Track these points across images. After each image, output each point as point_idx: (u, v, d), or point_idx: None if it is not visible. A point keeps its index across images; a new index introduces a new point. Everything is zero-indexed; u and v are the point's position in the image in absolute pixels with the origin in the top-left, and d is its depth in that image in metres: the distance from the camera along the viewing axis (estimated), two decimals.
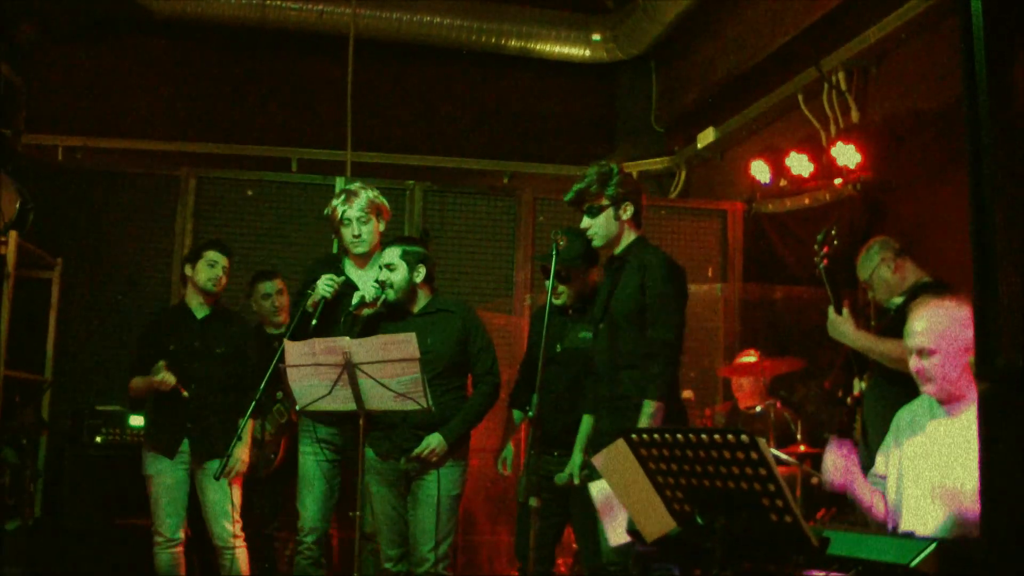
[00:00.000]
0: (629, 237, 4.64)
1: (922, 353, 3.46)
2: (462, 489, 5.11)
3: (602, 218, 4.62)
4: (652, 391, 4.35)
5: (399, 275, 5.08)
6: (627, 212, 4.62)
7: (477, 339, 5.14)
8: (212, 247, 5.86)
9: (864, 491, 3.60)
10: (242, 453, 5.58)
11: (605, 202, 4.60)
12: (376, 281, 5.10)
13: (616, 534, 4.35)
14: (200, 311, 5.83)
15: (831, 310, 4.76)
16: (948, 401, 3.49)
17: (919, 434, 3.56)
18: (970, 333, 3.38)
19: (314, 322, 5.04)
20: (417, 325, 4.96)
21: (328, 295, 5.11)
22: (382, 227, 5.42)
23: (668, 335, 4.42)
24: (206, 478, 5.60)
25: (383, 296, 5.09)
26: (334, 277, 5.17)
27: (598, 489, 4.34)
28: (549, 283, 4.85)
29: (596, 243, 4.68)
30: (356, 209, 5.27)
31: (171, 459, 5.63)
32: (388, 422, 4.99)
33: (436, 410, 4.79)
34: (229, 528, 5.60)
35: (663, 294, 4.46)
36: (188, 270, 5.82)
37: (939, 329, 3.44)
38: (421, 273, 5.12)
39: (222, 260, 5.80)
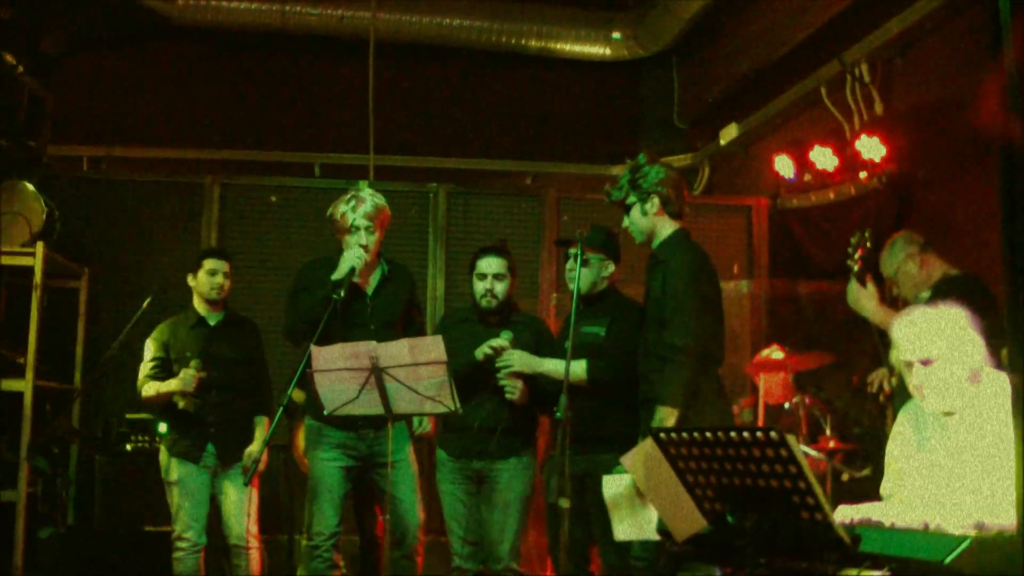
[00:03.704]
0: (665, 231, 4.63)
1: (927, 363, 3.28)
2: (533, 487, 5.17)
3: (633, 214, 4.67)
4: (664, 396, 4.33)
5: (505, 285, 5.16)
6: (653, 205, 4.61)
7: (547, 354, 5.11)
8: (210, 255, 5.91)
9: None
10: (263, 454, 5.59)
11: (633, 198, 4.64)
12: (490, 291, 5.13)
13: (622, 530, 4.37)
14: (212, 318, 5.88)
15: (853, 281, 4.69)
16: (952, 410, 3.35)
17: (924, 448, 3.44)
18: (970, 336, 3.28)
19: (341, 292, 4.97)
20: (492, 334, 5.07)
21: (359, 265, 5.11)
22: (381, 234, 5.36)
23: (679, 339, 4.35)
24: (227, 480, 5.71)
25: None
26: (362, 252, 5.16)
27: (609, 484, 4.36)
28: (575, 286, 4.84)
29: (638, 239, 4.71)
30: (368, 218, 5.20)
31: (196, 464, 5.70)
32: (461, 425, 5.03)
33: (511, 416, 4.99)
34: (249, 529, 5.70)
35: (677, 296, 4.42)
36: (191, 280, 5.88)
37: (939, 335, 3.27)
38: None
39: (222, 266, 5.85)
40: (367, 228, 5.20)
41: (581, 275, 4.92)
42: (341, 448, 5.19)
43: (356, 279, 5.14)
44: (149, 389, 5.73)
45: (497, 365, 4.99)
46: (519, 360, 4.97)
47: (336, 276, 5.05)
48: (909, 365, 3.36)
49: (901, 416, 3.61)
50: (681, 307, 4.40)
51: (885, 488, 3.61)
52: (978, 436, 3.28)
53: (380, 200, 5.29)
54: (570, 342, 4.51)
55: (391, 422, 4.71)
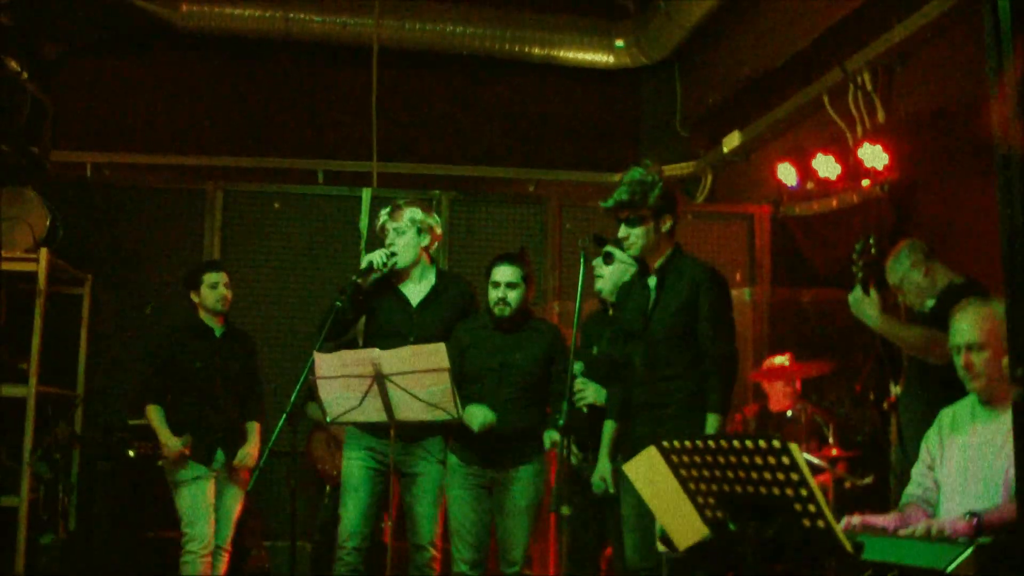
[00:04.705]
0: (667, 249, 4.59)
1: (971, 348, 3.54)
2: (544, 492, 5.19)
3: (641, 229, 4.51)
4: (715, 404, 4.34)
5: (518, 293, 5.17)
6: (666, 225, 4.55)
7: (560, 361, 5.16)
8: (208, 270, 6.03)
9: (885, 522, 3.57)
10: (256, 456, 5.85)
11: (646, 213, 4.50)
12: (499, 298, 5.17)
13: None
14: (218, 329, 6.02)
15: (857, 288, 4.70)
16: (993, 400, 3.55)
17: (961, 436, 3.57)
18: None
19: (358, 279, 5.18)
20: (507, 340, 5.16)
21: (378, 264, 5.18)
22: (425, 243, 5.37)
23: (727, 349, 4.42)
24: (227, 485, 5.89)
25: (391, 263, 5.22)
26: (386, 251, 5.25)
27: None
28: (599, 287, 4.89)
29: (632, 253, 4.61)
30: (396, 221, 5.29)
31: (208, 467, 5.80)
32: (472, 433, 5.05)
33: (523, 423, 5.06)
34: (230, 534, 5.90)
35: (717, 308, 4.46)
36: (194, 297, 5.99)
37: (988, 325, 3.52)
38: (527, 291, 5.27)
39: (222, 278, 5.98)
40: (396, 229, 5.28)
41: (605, 272, 5.04)
42: (369, 451, 5.20)
43: (399, 268, 5.26)
44: (151, 415, 5.87)
45: (575, 396, 4.91)
46: (594, 393, 4.88)
47: (355, 276, 5.22)
48: (959, 349, 3.61)
49: (943, 412, 3.80)
50: (721, 318, 4.47)
51: (917, 471, 3.79)
52: (1005, 438, 3.36)
53: (416, 208, 5.37)
54: (573, 343, 4.51)
55: (393, 428, 4.72)
